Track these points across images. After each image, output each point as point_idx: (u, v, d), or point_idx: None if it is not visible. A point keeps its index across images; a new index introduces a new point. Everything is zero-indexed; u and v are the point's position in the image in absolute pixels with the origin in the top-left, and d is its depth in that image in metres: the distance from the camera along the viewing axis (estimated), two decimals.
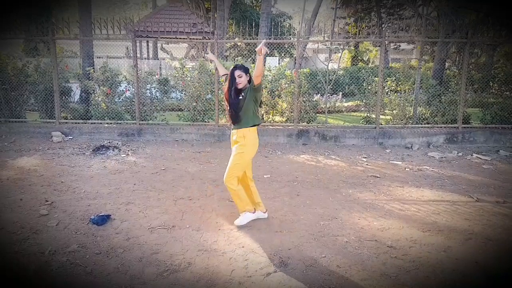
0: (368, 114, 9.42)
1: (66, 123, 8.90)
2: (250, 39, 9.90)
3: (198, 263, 3.36)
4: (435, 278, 3.20)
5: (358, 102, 12.06)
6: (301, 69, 9.10)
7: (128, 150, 7.64)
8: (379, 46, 9.24)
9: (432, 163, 7.10)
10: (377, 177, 6.13)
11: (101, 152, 7.38)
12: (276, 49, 16.42)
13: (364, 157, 7.43)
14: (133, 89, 8.84)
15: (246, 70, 3.94)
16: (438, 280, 3.18)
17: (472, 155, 7.62)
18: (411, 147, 8.26)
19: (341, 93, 14.57)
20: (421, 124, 8.81)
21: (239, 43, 22.72)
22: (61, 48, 9.57)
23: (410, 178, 6.11)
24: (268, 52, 3.87)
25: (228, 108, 4.01)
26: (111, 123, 8.88)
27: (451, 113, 8.81)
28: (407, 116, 9.01)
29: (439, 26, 9.86)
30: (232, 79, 3.91)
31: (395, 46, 25.00)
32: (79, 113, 9.22)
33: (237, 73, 3.88)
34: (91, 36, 9.33)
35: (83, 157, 7.05)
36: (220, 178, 5.76)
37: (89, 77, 9.15)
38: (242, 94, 3.94)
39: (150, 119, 9.01)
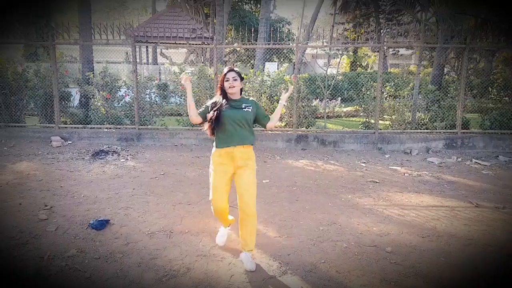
0: (367, 119, 9.44)
1: (65, 127, 8.90)
2: (249, 44, 9.94)
3: (197, 268, 3.35)
4: (435, 284, 3.20)
5: (357, 107, 12.08)
6: (300, 74, 9.13)
7: (127, 155, 7.63)
8: (378, 51, 9.29)
9: (431, 168, 7.11)
10: (376, 182, 6.13)
11: (100, 157, 7.37)
12: (275, 54, 16.51)
13: (363, 162, 7.43)
14: (133, 94, 8.86)
15: (240, 77, 3.49)
16: (437, 286, 3.18)
17: (471, 161, 7.63)
18: (410, 152, 8.26)
19: (340, 98, 14.59)
20: (420, 129, 8.83)
21: (238, 48, 22.74)
22: (61, 53, 9.54)
23: (409, 183, 6.11)
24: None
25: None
26: (110, 128, 8.88)
27: (450, 118, 8.83)
28: (406, 121, 9.03)
29: (438, 31, 9.90)
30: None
31: (394, 52, 25.12)
32: (79, 117, 9.22)
33: (232, 74, 3.41)
34: (91, 41, 9.36)
35: (82, 162, 7.05)
36: None
37: (89, 82, 9.16)
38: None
39: (149, 124, 9.02)
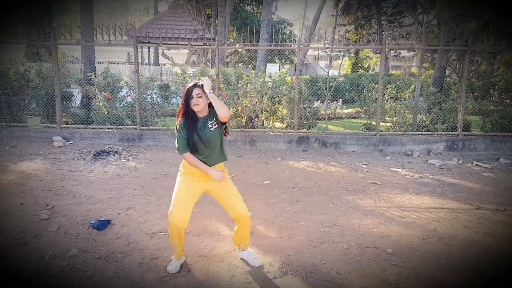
0: (368, 121, 9.44)
1: (67, 128, 8.92)
2: (251, 45, 9.95)
3: (197, 269, 3.36)
4: (435, 286, 3.20)
5: (358, 108, 12.09)
6: (302, 76, 9.13)
7: (129, 155, 7.65)
8: (380, 53, 9.29)
9: (432, 170, 7.11)
10: (377, 184, 6.13)
11: (102, 157, 7.39)
12: (276, 56, 16.51)
13: (364, 164, 7.43)
14: (134, 95, 8.87)
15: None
16: None
17: (472, 163, 7.63)
18: (411, 154, 8.26)
19: (341, 99, 14.59)
20: (421, 131, 8.82)
21: (239, 50, 22.81)
22: (63, 53, 9.60)
23: (410, 185, 6.11)
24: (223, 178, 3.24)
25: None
26: (112, 128, 8.90)
27: (452, 120, 8.83)
28: (407, 123, 9.03)
29: (440, 33, 9.91)
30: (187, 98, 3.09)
31: (396, 54, 25.14)
32: (80, 118, 9.23)
33: (196, 91, 3.05)
34: (93, 42, 9.38)
35: (83, 162, 7.07)
36: None
37: (91, 82, 9.18)
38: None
39: (151, 124, 9.03)
